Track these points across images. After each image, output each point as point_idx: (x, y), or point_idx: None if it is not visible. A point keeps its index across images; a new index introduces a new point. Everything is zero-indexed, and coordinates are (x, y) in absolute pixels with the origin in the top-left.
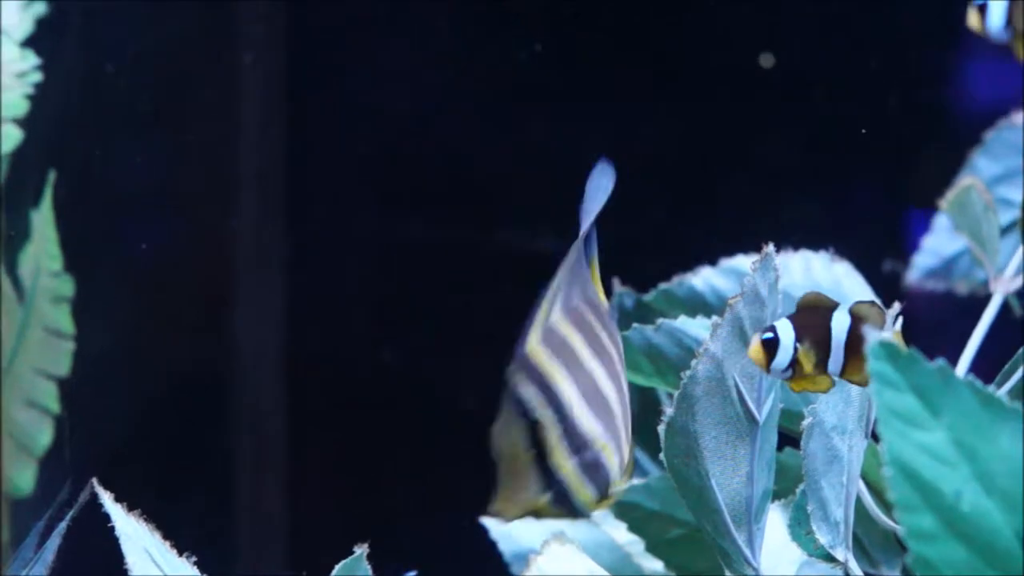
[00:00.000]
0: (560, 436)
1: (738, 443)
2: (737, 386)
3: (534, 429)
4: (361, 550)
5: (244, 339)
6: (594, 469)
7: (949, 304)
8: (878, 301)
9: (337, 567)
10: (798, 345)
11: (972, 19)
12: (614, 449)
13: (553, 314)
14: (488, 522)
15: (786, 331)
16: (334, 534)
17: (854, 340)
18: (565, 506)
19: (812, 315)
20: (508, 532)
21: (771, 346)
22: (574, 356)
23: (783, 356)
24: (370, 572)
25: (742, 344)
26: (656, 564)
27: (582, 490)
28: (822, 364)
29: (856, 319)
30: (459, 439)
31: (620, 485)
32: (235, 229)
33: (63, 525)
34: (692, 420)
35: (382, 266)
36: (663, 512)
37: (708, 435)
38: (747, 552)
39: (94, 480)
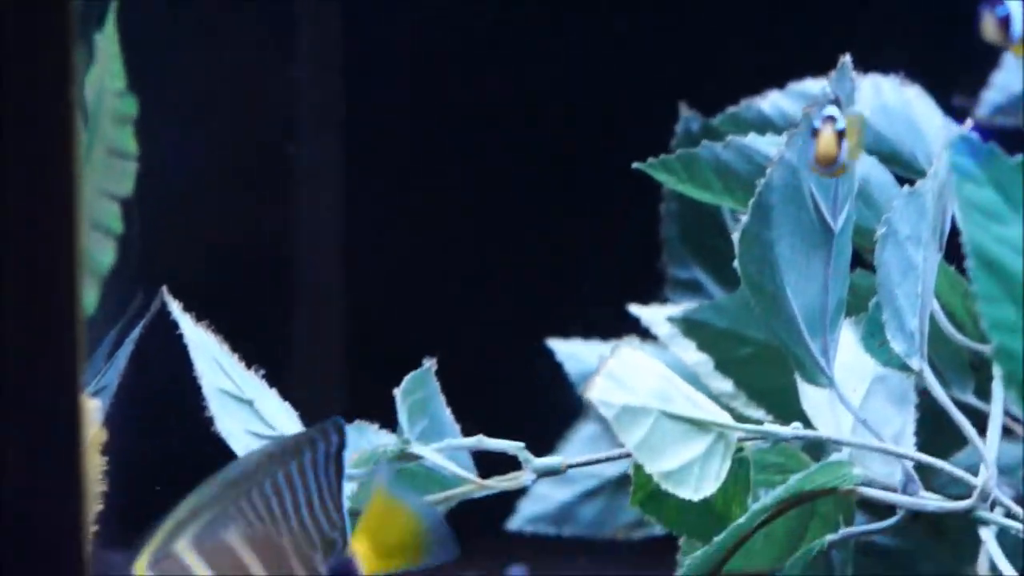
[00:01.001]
0: None
1: (813, 252)
2: (813, 195)
3: None
4: (430, 363)
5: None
6: None
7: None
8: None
9: (406, 379)
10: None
11: (989, 29)
12: None
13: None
14: (554, 344)
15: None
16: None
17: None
18: None
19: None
20: (574, 353)
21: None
22: None
23: (844, 147)
24: (437, 386)
25: None
26: (725, 384)
27: None
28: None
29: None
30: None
31: None
32: (297, 80)
33: (136, 332)
34: (767, 229)
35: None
36: (733, 330)
37: (783, 244)
38: (821, 361)
39: (164, 288)
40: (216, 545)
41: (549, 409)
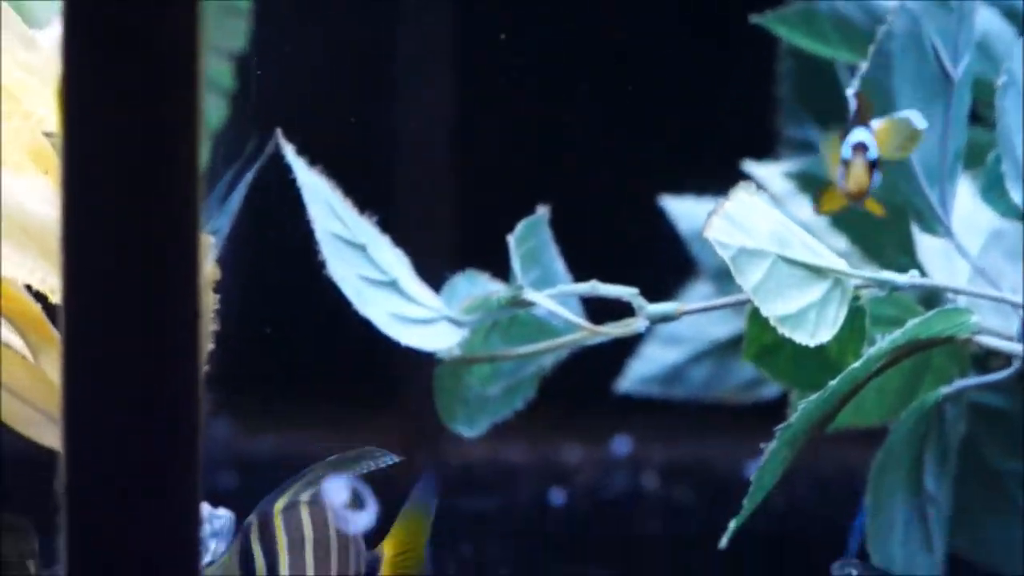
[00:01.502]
0: None
1: (932, 101)
2: (933, 44)
3: None
4: (543, 211)
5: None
6: None
7: None
8: None
9: (520, 225)
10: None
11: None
12: None
13: (306, 494)
14: (666, 203)
15: (870, 142)
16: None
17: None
18: None
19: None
20: (687, 211)
21: (871, 168)
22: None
23: (877, 175)
24: (550, 235)
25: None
26: (840, 241)
27: None
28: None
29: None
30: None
31: None
32: None
33: (249, 175)
34: (887, 76)
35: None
36: None
37: (903, 92)
38: (939, 211)
39: (278, 131)
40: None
41: (662, 268)
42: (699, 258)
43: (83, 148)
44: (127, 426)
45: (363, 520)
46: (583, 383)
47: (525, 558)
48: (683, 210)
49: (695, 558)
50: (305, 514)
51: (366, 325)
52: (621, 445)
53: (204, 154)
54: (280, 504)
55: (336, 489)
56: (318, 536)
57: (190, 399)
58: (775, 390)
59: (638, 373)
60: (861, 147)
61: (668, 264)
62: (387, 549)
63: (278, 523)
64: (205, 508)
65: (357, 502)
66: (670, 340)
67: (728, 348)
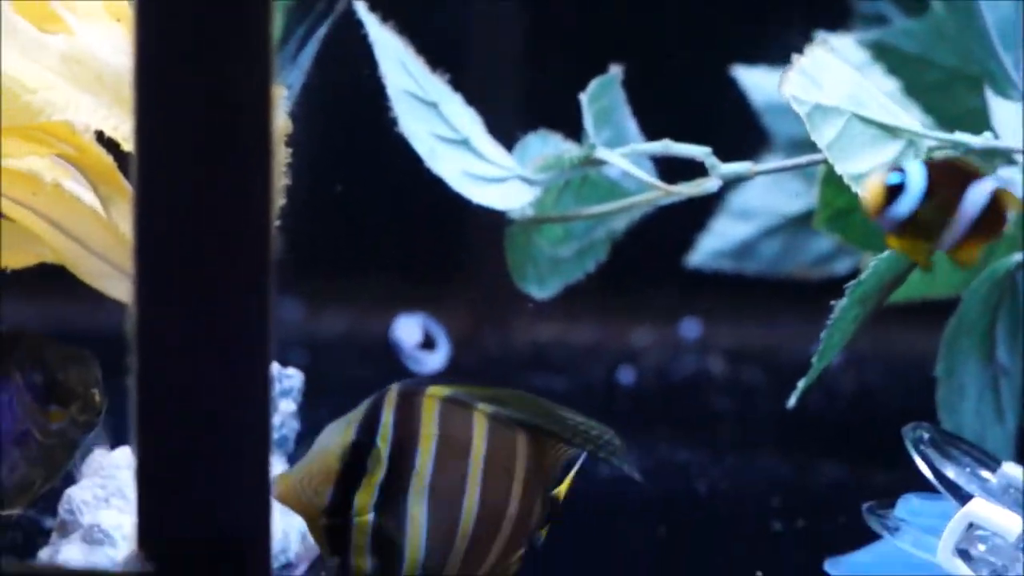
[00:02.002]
0: (378, 488)
1: None
2: None
3: (361, 452)
4: (616, 70)
5: None
6: (389, 558)
7: None
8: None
9: (592, 84)
10: (924, 201)
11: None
12: (419, 556)
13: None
14: (739, 73)
15: (917, 178)
16: None
17: (985, 219)
18: (332, 545)
19: (950, 173)
20: (759, 82)
21: (894, 192)
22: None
23: (904, 206)
24: (623, 95)
25: None
26: (913, 111)
27: (360, 558)
28: (937, 231)
29: (998, 200)
30: None
31: None
32: None
33: (322, 31)
34: None
35: None
36: (922, 55)
37: None
38: (1014, 75)
39: None
40: (466, 419)
41: (734, 140)
42: (771, 130)
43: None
44: (198, 274)
45: (434, 360)
46: (654, 260)
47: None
48: (755, 81)
49: (764, 437)
50: (481, 422)
51: (438, 185)
52: (690, 328)
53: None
54: (439, 391)
55: (408, 328)
56: (492, 455)
57: (262, 249)
58: (847, 265)
59: (709, 247)
60: (899, 171)
61: (740, 136)
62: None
63: (430, 409)
64: (275, 367)
65: (429, 342)
66: (741, 214)
67: (800, 223)
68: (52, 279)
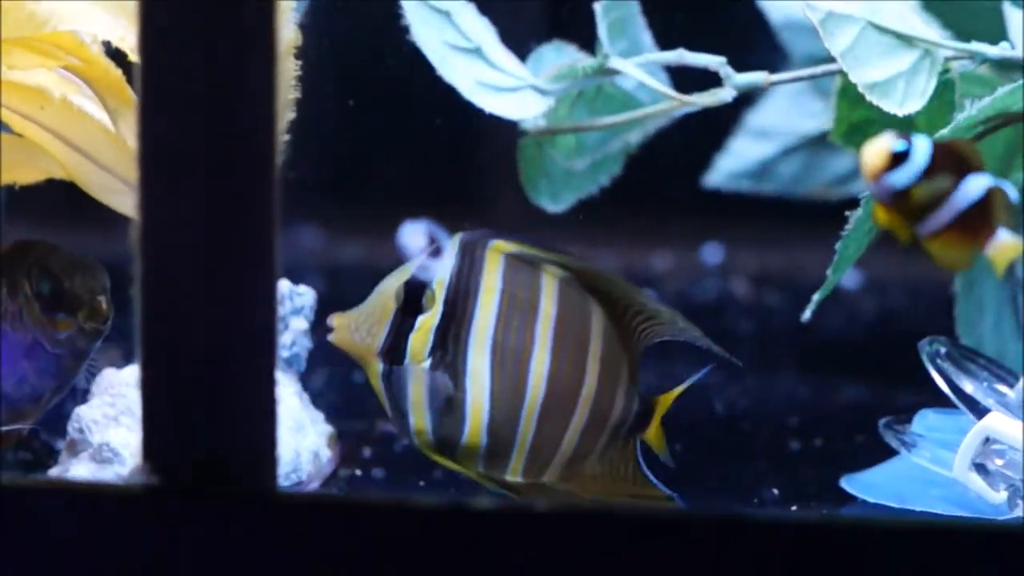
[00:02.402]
0: (433, 333)
1: None
2: None
3: (416, 292)
4: None
5: None
6: (445, 409)
7: None
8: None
9: None
10: (922, 176)
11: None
12: (483, 418)
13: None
14: None
15: (922, 151)
16: None
17: (973, 214)
18: (388, 394)
19: (952, 159)
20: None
21: (898, 159)
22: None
23: (904, 176)
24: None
25: None
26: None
27: (419, 415)
28: (924, 212)
29: (991, 198)
30: None
31: (470, 462)
32: None
33: None
34: None
35: None
36: None
37: None
38: None
39: None
40: (534, 275)
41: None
42: (788, 47)
43: None
44: (201, 190)
45: (441, 267)
46: (671, 181)
47: None
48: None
49: (784, 359)
50: (550, 284)
51: (451, 93)
52: (711, 252)
53: None
54: (504, 245)
55: (413, 234)
56: (563, 322)
57: (267, 160)
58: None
59: (727, 168)
60: (905, 137)
61: (757, 54)
62: (661, 406)
63: (493, 261)
64: (286, 284)
65: (436, 249)
66: (759, 134)
67: (818, 142)
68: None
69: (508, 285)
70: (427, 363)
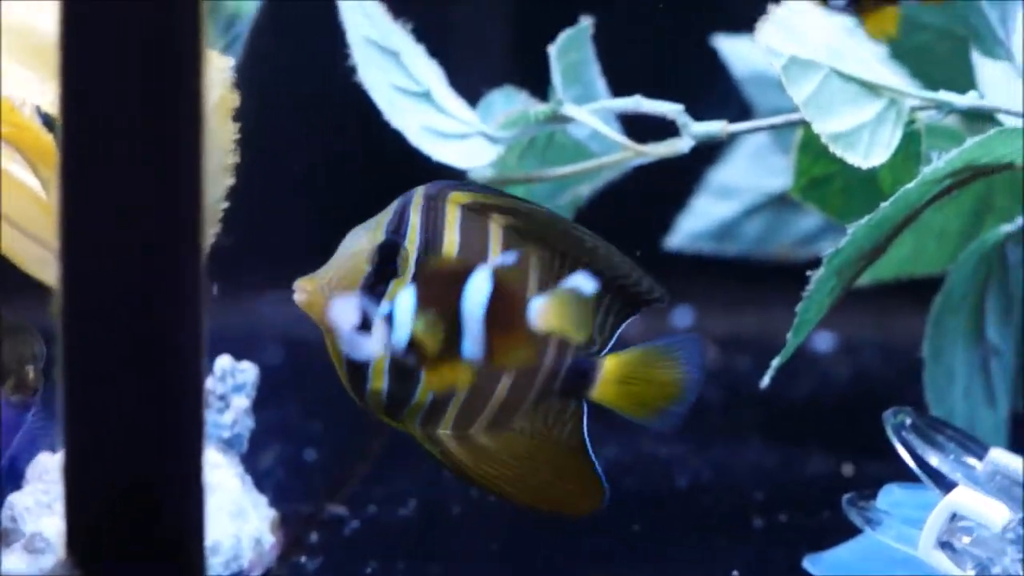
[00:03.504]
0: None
1: None
2: None
3: (391, 253)
4: (587, 22)
5: None
6: (404, 369)
7: None
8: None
9: (561, 36)
10: (417, 320)
11: None
12: (449, 380)
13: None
14: (720, 42)
15: (405, 301)
16: None
17: (498, 312)
18: (351, 352)
19: (439, 280)
20: (742, 51)
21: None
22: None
23: (398, 333)
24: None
25: None
26: (900, 70)
27: (378, 379)
28: (454, 345)
29: (501, 283)
30: None
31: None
32: None
33: None
34: None
35: None
36: (909, 15)
37: None
38: (1000, 31)
39: None
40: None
41: (713, 112)
42: (753, 101)
43: None
44: (125, 260)
45: (373, 344)
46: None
47: None
48: (737, 50)
49: (754, 424)
50: (496, 233)
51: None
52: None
53: None
54: (461, 196)
55: (344, 309)
56: (505, 272)
57: (192, 240)
58: (833, 244)
59: (689, 229)
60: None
61: (720, 108)
62: (610, 364)
63: (452, 214)
64: (227, 361)
65: (366, 324)
66: (722, 193)
67: (782, 200)
68: None
69: (464, 238)
70: None
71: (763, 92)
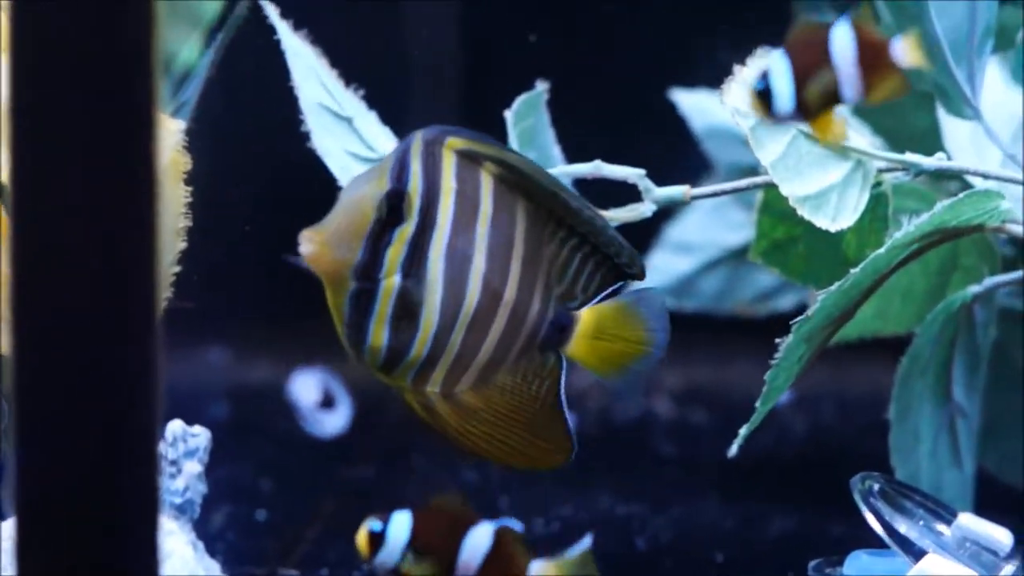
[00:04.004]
0: (408, 243)
1: None
2: None
3: (396, 200)
4: (543, 87)
5: None
6: (406, 329)
7: None
8: None
9: (518, 101)
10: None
11: (754, 105)
12: (432, 329)
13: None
14: (678, 96)
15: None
16: None
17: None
18: (353, 312)
19: (440, 524)
20: (700, 105)
21: (764, 97)
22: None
23: (387, 556)
24: (548, 116)
25: None
26: (863, 126)
27: (379, 328)
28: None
29: (502, 540)
30: None
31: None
32: None
33: (221, 38)
34: None
35: None
36: None
37: None
38: (967, 90)
39: None
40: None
41: (672, 168)
42: (712, 156)
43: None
44: (77, 333)
45: (334, 421)
46: None
47: (530, 485)
48: (695, 104)
49: (714, 482)
50: (487, 182)
51: None
52: None
53: (194, 47)
54: (456, 142)
55: (305, 386)
56: (496, 221)
57: (146, 305)
58: (791, 301)
59: (646, 284)
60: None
61: (678, 163)
62: (586, 318)
63: (448, 160)
64: (179, 426)
65: (328, 401)
66: (680, 248)
67: (741, 256)
68: None
69: (460, 184)
70: (397, 277)
71: (722, 147)
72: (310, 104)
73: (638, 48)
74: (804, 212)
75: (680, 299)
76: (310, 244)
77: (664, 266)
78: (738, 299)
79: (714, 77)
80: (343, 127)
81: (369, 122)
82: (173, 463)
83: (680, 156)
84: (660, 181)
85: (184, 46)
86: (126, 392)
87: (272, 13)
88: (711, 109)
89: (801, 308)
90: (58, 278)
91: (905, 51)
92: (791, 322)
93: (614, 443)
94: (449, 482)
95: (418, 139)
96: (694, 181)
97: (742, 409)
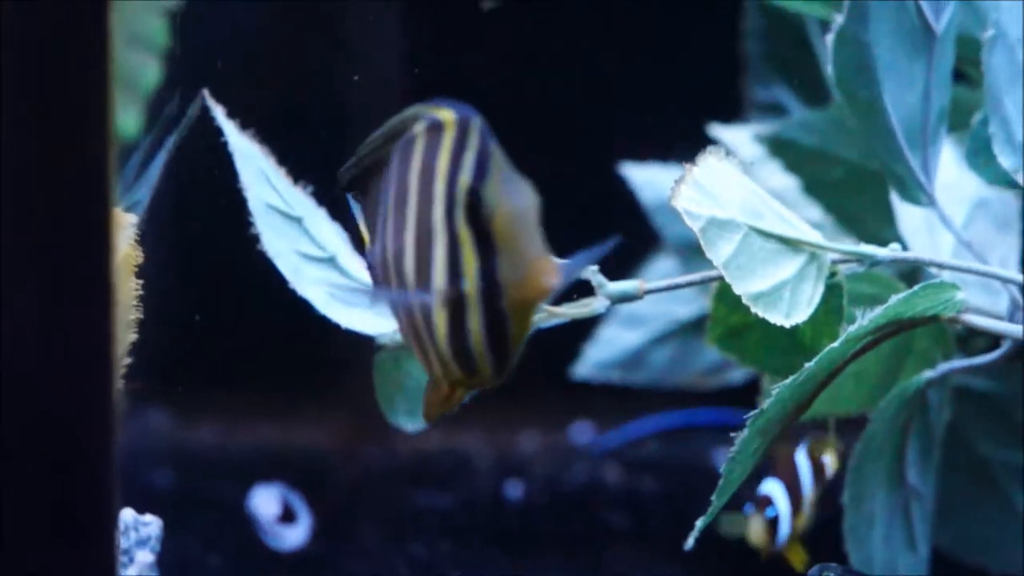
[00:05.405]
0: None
1: (913, 56)
2: None
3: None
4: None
5: None
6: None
7: None
8: None
9: None
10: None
11: (755, 532)
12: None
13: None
14: (627, 170)
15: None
16: None
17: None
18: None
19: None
20: (651, 179)
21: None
22: None
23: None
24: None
25: None
26: (813, 211)
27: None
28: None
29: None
30: None
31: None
32: None
33: (171, 140)
34: (864, 29)
35: None
36: (823, 149)
37: (881, 46)
38: (921, 177)
39: (205, 92)
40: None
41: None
42: (662, 231)
43: None
44: (33, 424)
45: (294, 534)
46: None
47: (480, 556)
48: (645, 178)
49: (661, 557)
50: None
51: (304, 306)
52: (581, 432)
53: (133, 121)
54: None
55: (265, 500)
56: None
57: (103, 402)
58: (743, 374)
59: (596, 358)
60: (765, 501)
61: (628, 237)
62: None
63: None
64: (130, 515)
65: (288, 514)
66: (630, 321)
67: (692, 329)
68: None
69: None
70: None
71: (672, 220)
72: (259, 206)
73: (590, 126)
74: (758, 310)
75: (630, 372)
76: (553, 272)
77: (613, 339)
78: (688, 372)
79: (665, 150)
80: (293, 227)
81: (319, 220)
82: (125, 552)
83: (631, 230)
84: (609, 255)
85: (122, 117)
86: (84, 480)
87: (219, 115)
88: (661, 182)
89: (752, 382)
90: (12, 378)
91: None
92: (745, 417)
93: (564, 515)
94: (396, 555)
95: (451, 116)
96: (645, 251)
97: (695, 481)
